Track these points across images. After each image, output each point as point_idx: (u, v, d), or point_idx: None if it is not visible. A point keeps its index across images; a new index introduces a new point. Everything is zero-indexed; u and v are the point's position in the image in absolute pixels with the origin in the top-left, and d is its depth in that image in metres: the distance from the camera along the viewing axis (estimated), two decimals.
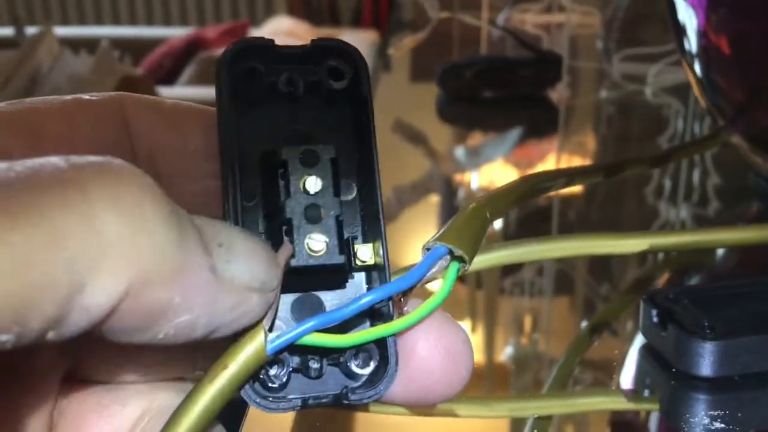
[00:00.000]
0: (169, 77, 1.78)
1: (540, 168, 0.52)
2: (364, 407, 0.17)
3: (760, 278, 0.25)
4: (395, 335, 0.14)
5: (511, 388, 0.29)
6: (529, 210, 0.43)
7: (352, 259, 0.15)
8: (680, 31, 0.36)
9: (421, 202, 0.49)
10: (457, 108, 0.60)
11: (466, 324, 0.34)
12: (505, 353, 0.31)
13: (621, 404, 0.24)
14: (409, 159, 0.55)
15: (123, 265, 0.11)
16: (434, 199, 0.51)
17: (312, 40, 0.15)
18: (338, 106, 0.15)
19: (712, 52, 0.35)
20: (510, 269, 0.35)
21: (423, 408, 0.14)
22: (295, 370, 0.14)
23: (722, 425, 0.21)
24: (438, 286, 0.15)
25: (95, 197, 0.11)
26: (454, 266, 0.15)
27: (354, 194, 0.15)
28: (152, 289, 0.11)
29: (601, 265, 0.34)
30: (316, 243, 0.14)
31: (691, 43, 0.35)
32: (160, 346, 0.12)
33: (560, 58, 0.58)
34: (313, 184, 0.14)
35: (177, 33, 2.09)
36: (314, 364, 0.14)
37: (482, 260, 0.23)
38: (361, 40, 1.88)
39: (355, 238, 0.15)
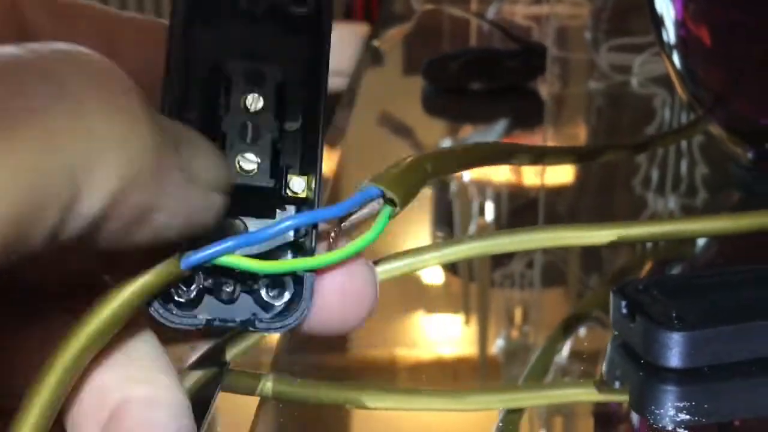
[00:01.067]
0: None
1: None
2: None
3: (731, 268, 0.25)
4: (312, 271, 0.14)
5: (502, 379, 0.29)
6: (518, 199, 0.43)
7: (284, 188, 0.15)
8: (658, 22, 0.36)
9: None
10: (443, 100, 0.60)
11: (458, 316, 0.34)
12: (496, 345, 0.31)
13: (591, 396, 0.24)
14: (395, 152, 0.55)
15: (113, 169, 0.11)
16: (426, 191, 0.51)
17: None
18: (296, 34, 0.15)
19: (690, 42, 0.35)
20: (499, 262, 0.35)
21: (320, 333, 0.15)
22: (208, 291, 0.14)
23: (687, 416, 0.21)
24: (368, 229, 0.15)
25: (86, 97, 0.11)
26: (387, 210, 0.15)
27: (298, 125, 0.15)
28: (136, 192, 0.11)
29: (591, 256, 0.34)
30: (248, 163, 0.14)
31: (669, 34, 0.35)
32: (136, 248, 0.12)
33: (545, 49, 0.58)
34: (254, 101, 0.14)
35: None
36: (227, 288, 0.14)
37: (446, 254, 0.23)
38: (352, 32, 1.87)
39: (290, 167, 0.15)
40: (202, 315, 0.14)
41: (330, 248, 0.15)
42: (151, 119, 0.12)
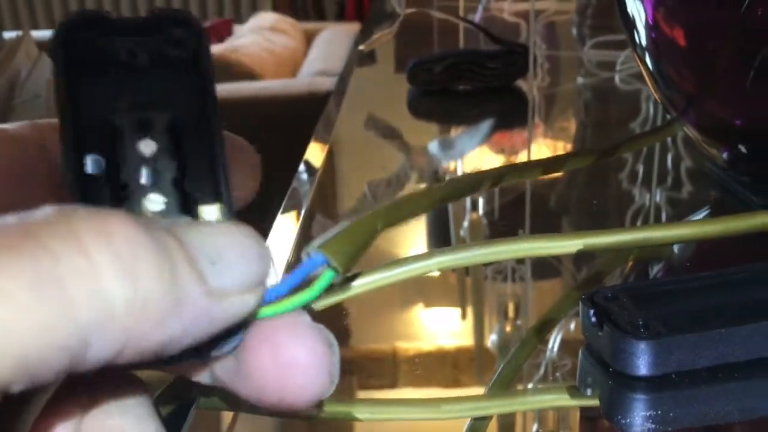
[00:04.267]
0: None
1: (516, 157, 0.53)
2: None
3: (699, 274, 0.25)
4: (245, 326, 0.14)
5: (492, 372, 0.29)
6: (507, 196, 0.43)
7: (197, 219, 0.15)
8: (630, 24, 0.36)
9: (396, 196, 0.49)
10: (428, 102, 0.61)
11: (455, 309, 0.34)
12: (490, 340, 0.32)
13: (564, 402, 0.25)
14: (382, 154, 0.56)
15: (124, 327, 0.11)
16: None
17: (151, 10, 0.15)
18: (182, 76, 0.15)
19: (661, 44, 0.35)
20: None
21: (261, 404, 0.14)
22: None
23: (655, 425, 0.22)
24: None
25: (98, 258, 0.11)
26: (328, 275, 0.15)
27: (198, 159, 0.15)
28: (152, 333, 0.12)
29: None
30: (155, 204, 0.15)
31: (641, 36, 0.35)
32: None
33: (526, 48, 0.58)
34: (147, 146, 0.15)
35: None
36: None
37: (419, 267, 0.23)
38: (344, 33, 1.87)
39: (199, 199, 0.15)
40: None
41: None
42: (161, 263, 0.12)
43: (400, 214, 0.20)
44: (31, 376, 0.11)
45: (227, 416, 0.24)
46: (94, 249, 0.11)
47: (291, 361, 0.14)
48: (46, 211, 0.11)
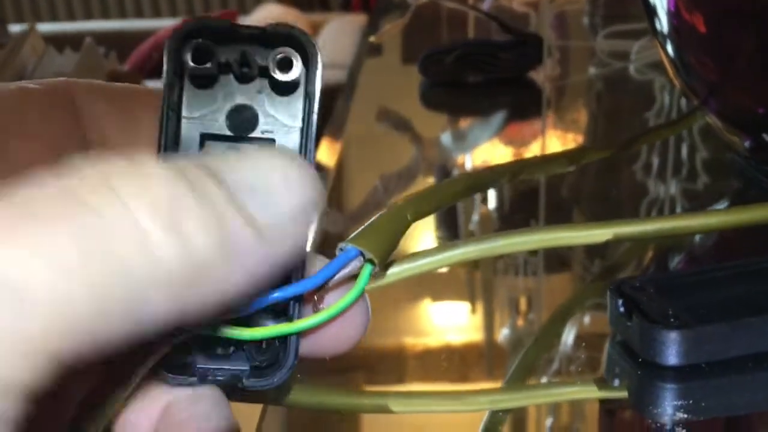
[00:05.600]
0: (158, 69, 1.77)
1: (528, 149, 0.53)
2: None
3: (726, 263, 0.25)
4: (296, 334, 0.15)
5: (507, 369, 0.29)
6: (516, 188, 0.43)
7: None
8: (651, 11, 0.35)
9: (409, 189, 0.49)
10: (440, 94, 0.60)
11: (465, 304, 0.34)
12: (501, 334, 0.31)
13: (591, 393, 0.24)
14: (394, 146, 0.55)
15: (180, 282, 0.11)
16: (429, 180, 0.51)
17: (268, 25, 0.15)
18: (287, 94, 0.15)
19: (683, 32, 0.34)
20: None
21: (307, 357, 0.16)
22: (202, 350, 0.15)
23: (685, 414, 0.21)
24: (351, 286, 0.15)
25: (139, 215, 0.11)
26: (367, 268, 0.15)
27: None
28: (212, 288, 0.11)
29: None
30: None
31: (662, 23, 0.35)
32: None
33: (541, 39, 0.58)
34: None
35: (167, 25, 2.08)
36: (218, 349, 0.15)
37: (442, 258, 0.23)
38: (350, 24, 1.87)
39: None
40: (194, 373, 0.15)
41: (315, 308, 0.15)
42: (207, 219, 0.11)
43: (429, 204, 0.19)
44: (95, 348, 0.10)
45: (256, 409, 0.24)
46: (137, 207, 0.11)
47: (345, 328, 0.15)
48: (84, 166, 0.11)
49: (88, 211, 0.10)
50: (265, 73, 0.15)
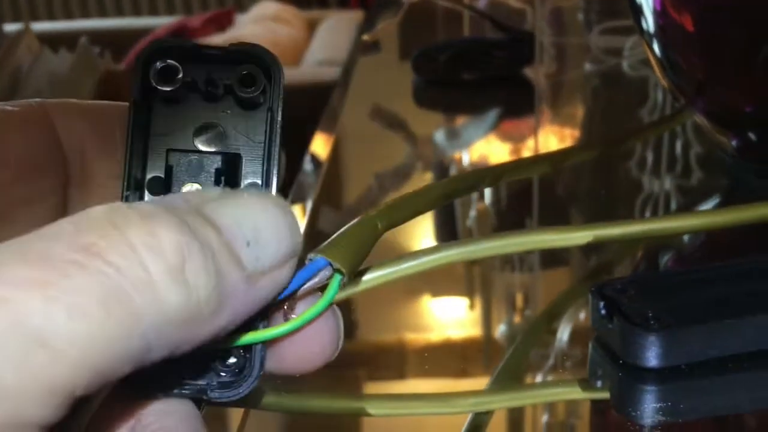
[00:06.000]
0: None
1: (523, 146, 0.53)
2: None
3: (708, 265, 0.25)
4: (261, 343, 0.15)
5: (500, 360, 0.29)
6: (514, 186, 0.43)
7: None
8: (637, 10, 0.35)
9: (404, 187, 0.49)
10: (433, 92, 0.60)
11: (462, 299, 0.34)
12: (498, 331, 0.32)
13: (574, 394, 0.24)
14: (388, 145, 0.55)
15: (179, 328, 0.12)
16: (427, 176, 0.51)
17: (230, 44, 0.15)
18: (251, 110, 0.16)
19: (670, 31, 0.34)
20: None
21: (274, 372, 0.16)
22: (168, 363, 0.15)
23: (665, 417, 0.22)
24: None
25: (153, 269, 0.12)
26: (336, 279, 0.15)
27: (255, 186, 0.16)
28: (204, 328, 0.13)
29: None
30: None
31: (649, 22, 0.35)
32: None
33: (532, 36, 0.58)
34: (201, 179, 0.15)
35: (163, 23, 2.08)
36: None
37: (425, 261, 0.23)
38: (347, 21, 1.86)
39: None
40: (160, 386, 0.15)
41: (285, 317, 0.15)
42: (209, 271, 0.12)
43: (402, 213, 0.19)
44: (101, 380, 0.12)
45: (236, 414, 0.24)
46: (149, 260, 0.12)
47: (311, 343, 0.16)
48: (97, 215, 0.12)
49: (106, 265, 0.11)
50: (230, 90, 0.15)
